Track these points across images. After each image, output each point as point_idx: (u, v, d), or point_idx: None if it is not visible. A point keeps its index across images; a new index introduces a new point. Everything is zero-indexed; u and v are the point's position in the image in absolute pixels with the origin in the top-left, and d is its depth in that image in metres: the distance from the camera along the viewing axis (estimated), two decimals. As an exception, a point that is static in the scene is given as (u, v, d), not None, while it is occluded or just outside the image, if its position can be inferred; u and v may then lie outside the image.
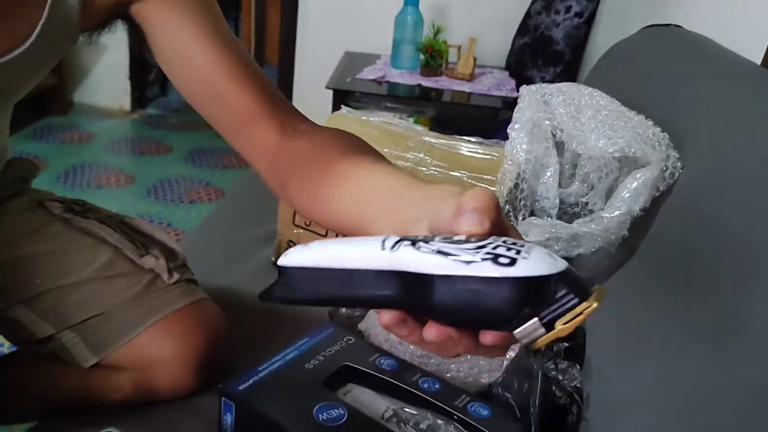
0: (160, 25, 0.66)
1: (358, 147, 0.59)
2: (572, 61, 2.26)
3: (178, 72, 0.67)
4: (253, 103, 0.64)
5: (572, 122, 0.91)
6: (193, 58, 0.65)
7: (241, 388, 0.76)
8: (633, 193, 0.84)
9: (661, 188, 0.86)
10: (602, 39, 2.13)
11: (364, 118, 1.18)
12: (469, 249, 0.35)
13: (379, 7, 2.57)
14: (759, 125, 0.85)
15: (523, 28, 2.43)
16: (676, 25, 1.40)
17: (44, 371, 0.88)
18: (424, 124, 2.30)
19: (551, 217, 0.98)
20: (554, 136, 0.98)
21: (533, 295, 0.33)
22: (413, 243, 0.36)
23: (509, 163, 1.00)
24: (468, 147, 1.11)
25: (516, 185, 0.99)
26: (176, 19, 0.65)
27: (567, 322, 0.33)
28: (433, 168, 1.10)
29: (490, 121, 2.19)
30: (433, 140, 1.15)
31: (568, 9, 2.24)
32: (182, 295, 0.89)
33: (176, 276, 0.90)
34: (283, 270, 0.41)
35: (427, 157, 1.11)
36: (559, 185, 0.99)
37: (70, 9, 0.64)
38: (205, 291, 0.94)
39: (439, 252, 0.35)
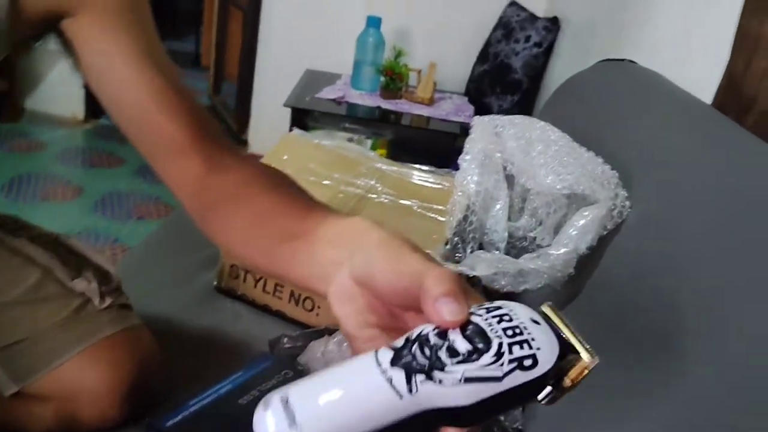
0: (90, 43, 0.62)
1: (279, 184, 0.57)
2: (530, 90, 2.28)
3: (105, 92, 0.64)
4: (181, 132, 0.61)
5: (522, 156, 0.90)
6: (123, 80, 0.62)
7: (169, 423, 0.73)
8: (580, 230, 0.83)
9: (608, 227, 0.85)
10: (560, 70, 2.16)
11: (315, 141, 1.16)
12: (489, 364, 0.34)
13: (342, 26, 2.57)
14: (706, 166, 0.85)
15: (483, 56, 2.45)
16: (630, 61, 1.42)
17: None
18: (382, 147, 2.29)
19: (499, 251, 0.96)
20: (505, 168, 0.97)
21: (555, 374, 0.35)
22: (428, 375, 0.34)
23: (459, 194, 0.99)
24: (419, 175, 1.10)
25: (465, 217, 0.98)
26: (107, 38, 0.62)
27: (572, 378, 0.35)
28: (383, 195, 1.08)
29: (447, 146, 2.19)
30: (384, 167, 1.13)
31: (528, 38, 2.26)
32: (113, 321, 0.85)
33: (108, 300, 0.86)
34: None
35: (378, 185, 1.09)
36: (509, 218, 0.98)
37: None
38: (141, 316, 0.91)
39: (466, 380, 0.34)
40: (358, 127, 2.30)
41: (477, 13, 2.51)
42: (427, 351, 0.35)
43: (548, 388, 0.35)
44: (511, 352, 0.34)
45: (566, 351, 0.35)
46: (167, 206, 2.46)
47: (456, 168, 1.07)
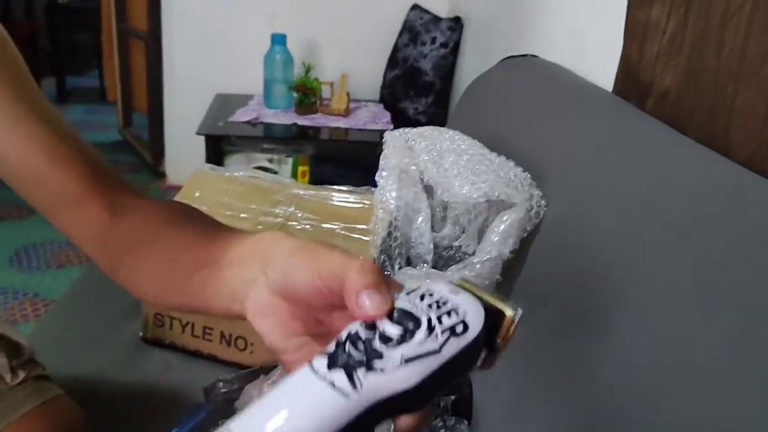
0: None
1: (183, 218, 0.54)
2: (443, 90, 2.30)
3: None
4: (79, 185, 0.57)
5: (436, 169, 0.90)
6: (3, 139, 0.57)
7: (102, 498, 0.68)
8: (501, 236, 0.83)
9: (528, 229, 0.86)
10: (468, 68, 2.19)
11: (227, 174, 1.13)
12: (425, 338, 0.35)
13: (247, 47, 2.52)
14: (611, 153, 0.87)
15: (393, 61, 2.46)
16: (533, 55, 1.44)
17: None
18: (304, 163, 2.26)
19: (427, 263, 0.96)
20: (422, 180, 0.97)
21: (487, 336, 0.36)
22: (368, 367, 0.34)
23: (381, 211, 0.98)
24: (338, 197, 1.08)
25: (389, 233, 0.96)
26: None
27: (503, 336, 0.36)
28: (304, 222, 1.05)
29: (369, 155, 2.17)
30: (302, 192, 1.11)
31: (434, 40, 2.28)
32: (29, 396, 0.80)
33: (22, 375, 0.81)
34: None
35: (297, 211, 1.07)
36: (432, 229, 0.97)
37: None
38: (66, 378, 0.86)
39: (407, 361, 0.34)
40: (276, 146, 2.26)
41: (381, 20, 2.52)
42: (360, 345, 0.35)
43: (484, 352, 0.36)
44: (441, 322, 0.35)
45: (490, 312, 0.36)
46: (87, 251, 2.36)
47: (375, 184, 1.06)
